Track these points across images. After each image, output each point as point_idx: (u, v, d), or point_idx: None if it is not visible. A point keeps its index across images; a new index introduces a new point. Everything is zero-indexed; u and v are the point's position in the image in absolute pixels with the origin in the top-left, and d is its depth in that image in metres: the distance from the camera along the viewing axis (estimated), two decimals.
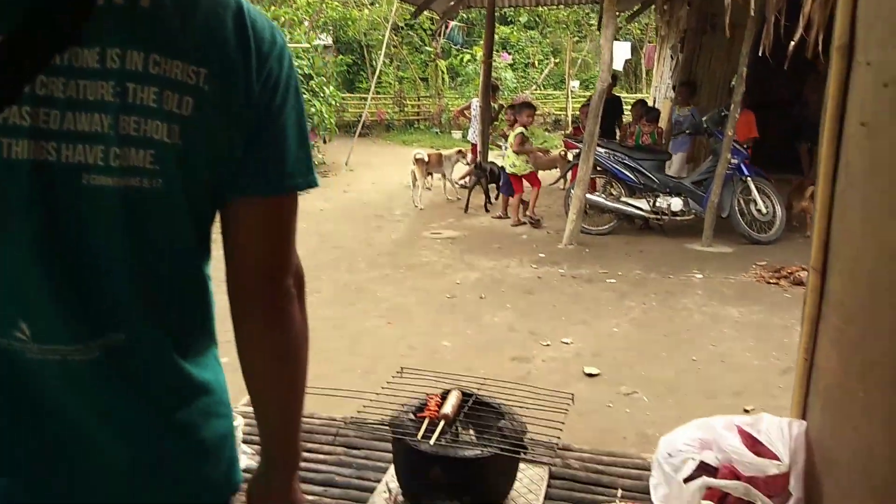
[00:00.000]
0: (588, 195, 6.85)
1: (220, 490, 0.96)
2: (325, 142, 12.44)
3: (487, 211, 8.28)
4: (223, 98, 0.83)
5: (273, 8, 11.80)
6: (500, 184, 8.01)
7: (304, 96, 10.78)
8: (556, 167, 9.22)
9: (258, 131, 0.87)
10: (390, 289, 5.36)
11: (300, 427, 1.01)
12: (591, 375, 3.75)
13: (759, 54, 2.47)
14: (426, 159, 8.73)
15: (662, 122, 8.97)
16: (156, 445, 0.88)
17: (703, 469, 1.62)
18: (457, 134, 16.48)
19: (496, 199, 8.30)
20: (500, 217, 7.94)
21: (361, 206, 8.87)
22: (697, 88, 9.18)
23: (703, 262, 6.17)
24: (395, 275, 5.75)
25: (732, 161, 6.64)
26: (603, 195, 7.19)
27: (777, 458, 1.55)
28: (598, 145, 6.89)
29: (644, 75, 21.88)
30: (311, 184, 0.94)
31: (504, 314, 4.80)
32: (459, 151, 9.47)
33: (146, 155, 0.79)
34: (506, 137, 8.31)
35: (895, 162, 1.05)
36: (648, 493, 1.83)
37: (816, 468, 1.45)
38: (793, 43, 2.36)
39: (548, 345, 4.22)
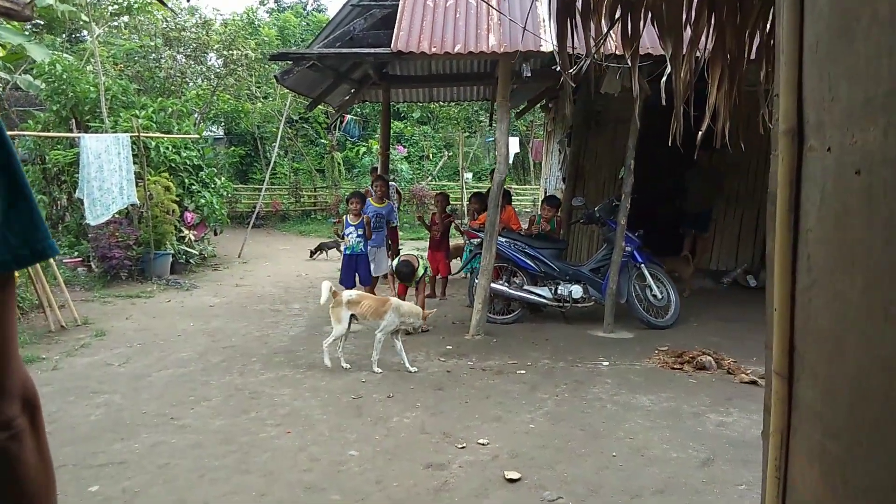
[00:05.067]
0: (492, 284, 6.80)
1: None
2: (216, 233, 11.91)
3: None
4: None
5: (161, 99, 11.43)
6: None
7: (194, 187, 10.40)
8: (460, 256, 9.20)
9: None
10: (288, 391, 4.93)
11: None
12: (512, 481, 3.49)
13: (670, 144, 2.47)
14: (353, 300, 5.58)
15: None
16: None
17: None
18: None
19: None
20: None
21: (256, 300, 8.38)
22: (579, 179, 9.62)
23: (607, 348, 6.18)
24: (293, 375, 5.32)
25: (626, 249, 6.84)
26: (506, 284, 7.17)
27: None
28: (500, 234, 6.93)
29: (532, 168, 23.02)
30: (39, 253, 0.68)
31: (414, 414, 4.49)
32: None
33: None
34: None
35: (874, 257, 0.95)
36: None
37: None
38: (700, 133, 2.38)
39: (463, 447, 3.94)
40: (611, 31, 2.33)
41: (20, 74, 11.13)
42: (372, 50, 6.66)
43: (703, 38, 2.33)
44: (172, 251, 9.72)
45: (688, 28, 2.31)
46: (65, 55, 11.49)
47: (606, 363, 5.72)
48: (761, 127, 2.73)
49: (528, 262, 7.12)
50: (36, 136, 9.70)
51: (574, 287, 7.05)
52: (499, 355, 5.93)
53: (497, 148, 6.86)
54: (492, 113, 12.98)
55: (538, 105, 12.46)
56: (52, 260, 7.03)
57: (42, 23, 13.38)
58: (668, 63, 2.29)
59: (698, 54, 2.41)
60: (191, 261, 10.29)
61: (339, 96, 10.29)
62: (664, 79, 2.40)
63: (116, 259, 8.80)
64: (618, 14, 2.37)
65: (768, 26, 2.57)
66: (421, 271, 7.23)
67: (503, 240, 7.09)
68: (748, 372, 5.37)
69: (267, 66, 15.80)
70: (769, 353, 1.38)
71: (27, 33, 11.96)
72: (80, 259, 9.24)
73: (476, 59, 8.43)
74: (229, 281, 9.64)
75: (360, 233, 7.42)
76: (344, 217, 7.73)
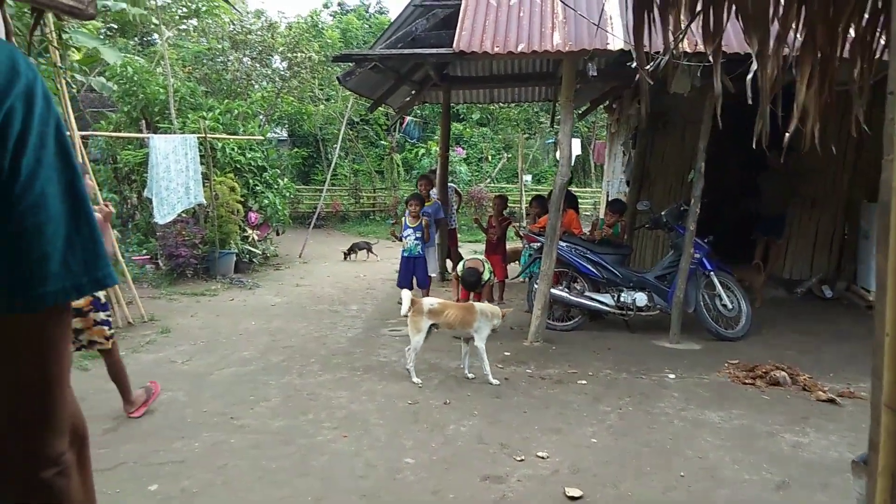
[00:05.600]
0: (552, 290, 6.63)
1: None
2: (278, 233, 12.12)
3: None
4: None
5: (227, 101, 11.70)
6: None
7: (258, 188, 10.58)
8: (517, 260, 9.07)
9: None
10: (346, 394, 4.91)
11: None
12: (573, 498, 3.34)
13: (754, 146, 2.30)
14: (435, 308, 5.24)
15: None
16: None
17: None
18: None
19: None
20: None
21: (315, 300, 8.46)
22: (644, 183, 9.33)
23: (673, 359, 5.93)
24: (351, 378, 5.31)
25: (695, 256, 6.56)
26: (566, 290, 6.99)
27: None
28: (560, 239, 6.76)
29: (593, 170, 22.63)
30: (99, 282, 0.65)
31: (472, 423, 4.39)
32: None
33: None
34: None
35: None
36: None
37: None
38: (788, 134, 2.21)
39: (522, 459, 3.81)
40: (690, 26, 2.17)
41: (94, 76, 11.59)
42: (433, 50, 6.60)
43: (792, 34, 2.15)
44: (236, 250, 9.93)
45: (775, 22, 2.13)
46: (136, 58, 11.90)
47: (673, 376, 5.49)
48: (853, 128, 2.51)
49: (590, 267, 6.92)
50: (108, 137, 10.08)
51: (638, 294, 6.81)
52: (558, 364, 5.77)
53: (560, 150, 6.70)
54: (553, 114, 12.77)
55: (601, 106, 12.17)
56: (121, 258, 7.25)
57: (115, 26, 13.91)
58: (755, 60, 2.12)
59: (786, 51, 2.23)
60: (254, 260, 10.49)
61: (400, 98, 10.29)
62: (749, 76, 2.22)
63: (183, 257, 9.03)
64: (699, 7, 2.21)
65: (864, 21, 2.36)
66: (486, 275, 7.14)
67: (564, 244, 6.91)
68: (825, 389, 5.05)
69: (330, 69, 15.98)
70: (878, 384, 1.22)
71: (101, 37, 12.44)
72: (148, 257, 9.54)
73: (539, 59, 8.27)
74: (290, 280, 9.77)
75: (417, 235, 7.40)
76: (402, 219, 7.72)
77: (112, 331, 4.28)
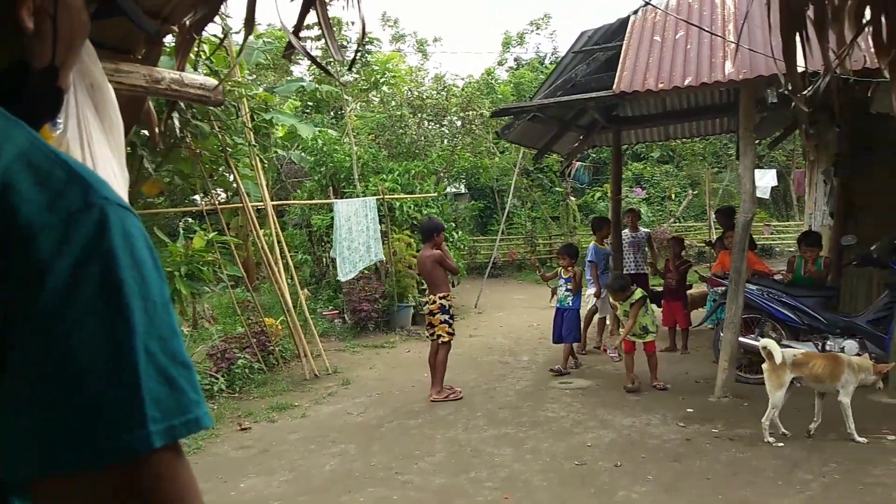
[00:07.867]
0: (742, 338, 6.00)
1: None
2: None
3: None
4: None
5: (405, 162, 12.38)
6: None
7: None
8: (704, 305, 8.41)
9: None
10: (509, 451, 4.77)
11: None
12: None
13: None
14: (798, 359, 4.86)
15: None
16: None
17: None
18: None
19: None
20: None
21: (487, 351, 8.46)
22: (849, 215, 8.21)
23: (893, 418, 5.05)
24: (516, 434, 5.16)
25: None
26: (759, 338, 6.26)
27: None
28: (749, 282, 6.13)
29: (795, 202, 20.53)
30: (128, 449, 0.53)
31: (645, 489, 4.03)
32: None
33: None
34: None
35: None
36: None
37: None
38: None
39: None
40: (857, 41, 1.85)
41: (294, 150, 12.92)
42: (592, 94, 6.47)
43: None
44: (414, 303, 10.30)
45: None
46: (329, 130, 13.07)
47: (893, 437, 4.66)
48: None
49: (787, 312, 6.16)
50: (301, 204, 11.16)
51: (847, 342, 5.91)
52: (750, 422, 5.14)
53: (741, 185, 6.15)
54: (738, 145, 11.88)
55: (796, 131, 11.06)
56: (308, 316, 7.81)
57: (311, 104, 15.46)
58: None
59: None
60: None
61: (569, 143, 10.20)
62: None
63: (365, 311, 9.56)
64: (866, 18, 1.89)
65: None
66: (638, 294, 6.46)
67: (754, 287, 6.26)
68: None
69: (502, 122, 16.34)
70: None
71: (300, 115, 13.91)
72: (336, 312, 10.23)
73: (714, 90, 7.75)
74: (463, 332, 9.86)
75: (569, 287, 7.13)
76: (559, 269, 7.39)
77: (451, 330, 6.29)
